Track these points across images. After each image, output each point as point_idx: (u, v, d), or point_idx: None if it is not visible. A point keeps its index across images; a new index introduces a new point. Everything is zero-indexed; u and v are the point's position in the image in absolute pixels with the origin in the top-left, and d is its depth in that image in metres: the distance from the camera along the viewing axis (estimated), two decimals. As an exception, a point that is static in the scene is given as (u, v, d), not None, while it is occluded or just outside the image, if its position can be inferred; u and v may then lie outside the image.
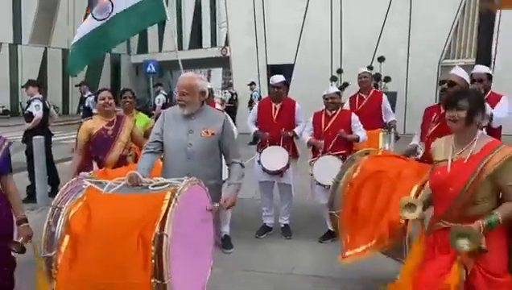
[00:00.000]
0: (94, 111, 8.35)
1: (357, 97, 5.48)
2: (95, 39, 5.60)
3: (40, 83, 7.54)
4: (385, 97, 5.55)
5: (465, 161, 2.34)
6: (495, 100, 4.04)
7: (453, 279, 2.25)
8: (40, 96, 6.94)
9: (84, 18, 6.01)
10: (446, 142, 2.51)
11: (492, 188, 2.31)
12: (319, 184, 4.50)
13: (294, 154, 5.00)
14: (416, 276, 2.48)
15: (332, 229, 4.84)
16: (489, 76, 4.20)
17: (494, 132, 4.14)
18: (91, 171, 3.60)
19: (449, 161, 2.39)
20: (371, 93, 5.48)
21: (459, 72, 3.70)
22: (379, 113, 5.36)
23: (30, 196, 6.49)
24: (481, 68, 4.30)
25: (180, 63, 5.84)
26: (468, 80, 3.72)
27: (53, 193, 6.76)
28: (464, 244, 2.20)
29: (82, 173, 3.78)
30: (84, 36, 5.62)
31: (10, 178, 2.90)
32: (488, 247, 2.22)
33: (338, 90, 4.84)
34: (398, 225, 2.97)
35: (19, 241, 2.75)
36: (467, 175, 2.30)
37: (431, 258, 2.45)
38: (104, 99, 4.12)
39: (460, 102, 2.34)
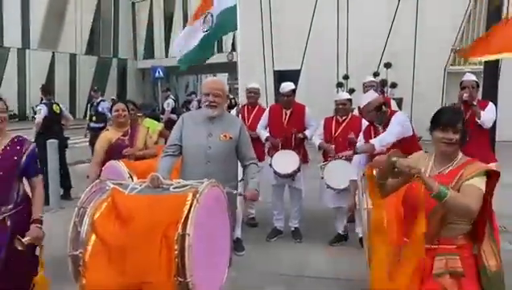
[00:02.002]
0: (109, 116, 8.49)
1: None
2: (199, 47, 5.73)
3: (45, 88, 7.58)
4: (393, 102, 5.66)
5: (443, 176, 2.25)
6: (483, 106, 4.60)
7: None
8: (45, 100, 7.06)
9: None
10: (428, 158, 2.41)
11: None
12: (329, 187, 4.59)
13: (304, 158, 5.08)
14: None
15: (341, 233, 4.94)
16: (477, 84, 4.67)
17: (484, 133, 4.63)
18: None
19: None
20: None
21: (370, 97, 4.07)
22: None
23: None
24: (470, 76, 4.74)
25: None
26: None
27: (65, 196, 6.89)
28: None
29: (110, 162, 3.94)
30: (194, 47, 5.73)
31: (38, 181, 3.04)
32: (464, 272, 2.20)
33: (349, 96, 4.93)
34: None
35: (25, 239, 2.76)
36: None
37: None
38: (118, 111, 4.30)
39: (459, 124, 2.24)
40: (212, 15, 5.58)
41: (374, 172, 2.66)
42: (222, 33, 6.06)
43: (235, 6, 5.22)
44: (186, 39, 5.79)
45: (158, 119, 8.90)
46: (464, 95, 4.52)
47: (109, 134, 4.35)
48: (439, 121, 2.29)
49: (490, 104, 4.66)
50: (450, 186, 2.17)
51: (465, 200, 2.11)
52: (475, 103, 4.55)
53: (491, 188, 2.23)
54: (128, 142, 4.28)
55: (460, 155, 2.33)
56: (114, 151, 4.21)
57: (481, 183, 2.18)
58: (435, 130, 2.30)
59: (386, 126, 3.94)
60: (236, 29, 5.51)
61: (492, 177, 2.23)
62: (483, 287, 2.25)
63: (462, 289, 2.21)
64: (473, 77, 4.73)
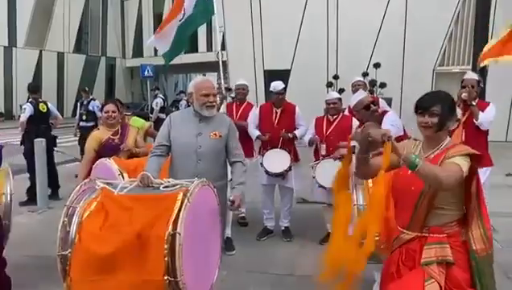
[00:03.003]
0: (99, 115, 8.43)
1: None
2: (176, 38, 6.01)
3: (32, 86, 7.43)
4: (382, 101, 5.68)
5: (428, 160, 2.24)
6: (483, 106, 4.45)
7: None
8: (31, 99, 6.95)
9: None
10: (416, 145, 2.42)
11: (452, 192, 2.20)
12: (321, 186, 4.60)
13: (294, 158, 5.09)
14: None
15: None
16: (479, 83, 4.50)
17: (482, 135, 4.49)
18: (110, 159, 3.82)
19: None
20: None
21: (358, 97, 4.09)
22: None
23: (31, 198, 6.51)
24: (472, 75, 4.60)
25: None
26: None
27: (53, 196, 6.81)
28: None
29: (100, 160, 3.90)
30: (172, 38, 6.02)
31: None
32: (454, 261, 2.18)
33: (340, 96, 4.95)
34: None
35: None
36: None
37: (396, 277, 2.31)
38: (108, 112, 4.31)
39: (434, 108, 2.25)
40: (184, 8, 5.71)
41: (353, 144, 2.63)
42: (200, 23, 6.25)
43: None
44: (167, 38, 5.98)
45: (146, 118, 8.86)
46: (463, 94, 4.39)
47: (99, 134, 4.35)
48: (417, 105, 2.35)
49: (491, 105, 4.52)
50: None
51: (436, 170, 2.11)
52: (474, 103, 4.41)
53: (474, 171, 2.21)
54: (118, 141, 4.28)
55: (448, 139, 2.34)
56: (104, 151, 4.21)
57: (461, 161, 2.16)
58: (417, 115, 2.35)
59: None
60: (213, 14, 5.67)
61: (475, 161, 2.22)
62: (473, 273, 2.22)
63: (452, 277, 2.19)
64: (475, 76, 4.58)
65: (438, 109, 2.25)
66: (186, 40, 6.25)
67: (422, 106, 2.30)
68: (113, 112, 4.29)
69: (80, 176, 4.22)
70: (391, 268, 2.37)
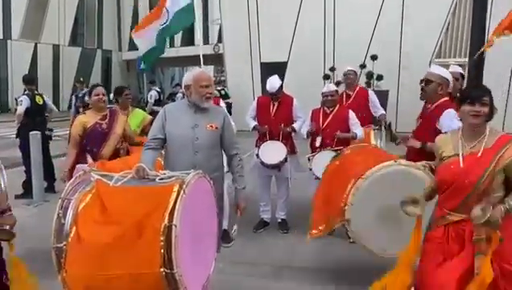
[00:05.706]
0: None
1: (344, 95, 5.60)
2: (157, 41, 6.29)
3: (27, 78, 7.33)
4: (371, 92, 5.69)
5: (479, 155, 2.37)
6: None
7: (487, 275, 2.22)
8: (27, 91, 6.88)
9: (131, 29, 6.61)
10: (452, 137, 2.53)
11: (502, 180, 2.35)
12: (317, 178, 4.59)
13: (291, 149, 5.09)
14: (427, 275, 2.47)
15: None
16: (463, 76, 4.66)
17: None
18: (87, 164, 3.65)
19: (461, 156, 2.42)
20: (357, 89, 5.59)
21: (436, 70, 3.88)
22: (367, 109, 5.48)
23: (27, 191, 6.49)
24: (455, 68, 4.66)
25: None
26: (449, 77, 3.82)
27: (49, 189, 6.78)
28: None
29: (79, 165, 3.79)
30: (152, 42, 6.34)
31: None
32: (502, 236, 2.25)
33: (336, 88, 4.94)
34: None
35: (6, 227, 2.64)
36: (482, 168, 2.33)
37: (441, 254, 2.44)
38: (98, 95, 4.24)
39: (485, 98, 2.38)
40: (168, 10, 5.80)
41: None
42: (177, 30, 6.41)
43: (192, 2, 5.50)
44: (149, 38, 6.13)
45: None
46: None
47: (85, 118, 4.24)
48: (466, 96, 2.46)
49: None
50: (491, 166, 2.31)
51: None
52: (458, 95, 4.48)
53: None
54: (106, 126, 4.19)
55: (488, 129, 2.44)
56: (92, 137, 4.12)
57: None
58: (463, 105, 2.44)
59: None
60: (191, 24, 5.79)
61: None
62: None
63: (499, 251, 2.27)
64: (458, 69, 4.64)
65: (487, 100, 2.39)
66: (164, 43, 6.46)
67: (472, 96, 2.41)
68: (104, 95, 4.26)
69: (65, 163, 4.15)
70: (434, 243, 2.49)
